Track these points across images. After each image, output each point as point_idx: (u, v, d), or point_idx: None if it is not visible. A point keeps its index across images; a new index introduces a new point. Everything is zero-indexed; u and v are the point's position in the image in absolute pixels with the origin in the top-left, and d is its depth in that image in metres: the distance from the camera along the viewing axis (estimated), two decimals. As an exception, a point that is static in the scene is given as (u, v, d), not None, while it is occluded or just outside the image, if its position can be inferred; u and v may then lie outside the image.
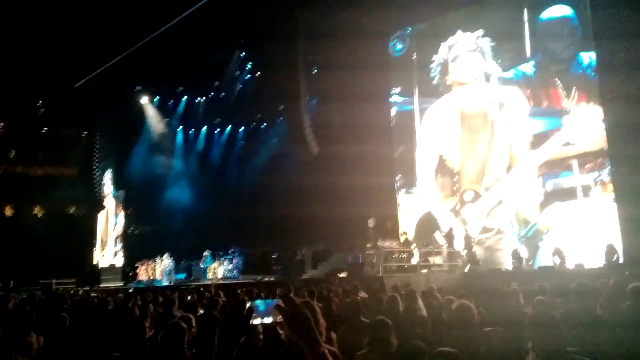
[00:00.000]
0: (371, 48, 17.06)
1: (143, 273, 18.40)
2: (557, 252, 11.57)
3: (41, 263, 19.14)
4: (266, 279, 14.72)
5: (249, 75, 21.46)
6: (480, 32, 15.10)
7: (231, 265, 17.86)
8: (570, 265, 11.18)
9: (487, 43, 14.98)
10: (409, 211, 16.64)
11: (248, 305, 1.49)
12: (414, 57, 17.17)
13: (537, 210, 13.55)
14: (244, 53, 20.75)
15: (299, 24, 17.63)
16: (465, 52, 15.53)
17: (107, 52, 18.87)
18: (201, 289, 11.22)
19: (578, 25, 13.62)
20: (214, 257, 17.95)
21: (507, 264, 12.95)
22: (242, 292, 8.25)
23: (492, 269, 12.71)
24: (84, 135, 24.70)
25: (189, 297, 8.18)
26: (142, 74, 20.79)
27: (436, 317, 4.76)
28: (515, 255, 12.60)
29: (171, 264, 17.99)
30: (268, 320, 1.70)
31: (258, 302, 1.61)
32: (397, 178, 17.15)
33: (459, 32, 15.71)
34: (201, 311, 5.32)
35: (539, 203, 13.54)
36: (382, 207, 16.32)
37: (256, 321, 1.62)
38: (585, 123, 12.91)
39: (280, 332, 2.85)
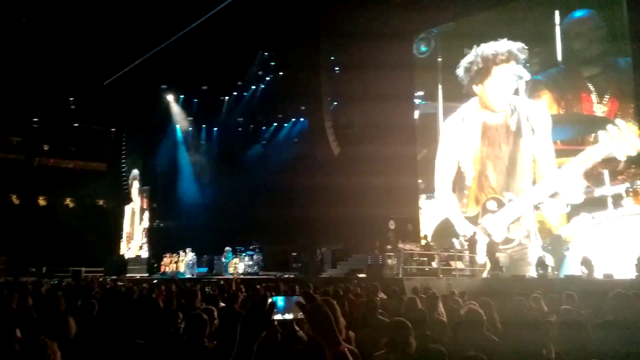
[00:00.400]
0: (395, 48, 16.91)
1: (167, 265, 18.79)
2: (585, 262, 11.24)
3: (71, 252, 19.80)
4: (285, 276, 14.83)
5: (271, 75, 21.61)
6: (520, 45, 14.49)
7: (252, 261, 18.05)
8: (599, 275, 10.87)
9: (521, 52, 14.45)
10: (430, 215, 16.51)
11: (270, 300, 1.50)
12: (439, 59, 16.99)
13: (564, 220, 13.28)
14: (267, 53, 20.91)
15: (322, 24, 17.66)
16: (498, 70, 14.92)
17: (135, 51, 19.35)
18: (221, 282, 11.43)
19: (601, 23, 13.25)
20: (235, 253, 18.18)
21: (532, 272, 12.71)
22: (262, 287, 8.37)
23: (516, 275, 12.50)
24: (112, 131, 25.40)
25: (206, 289, 8.36)
26: (168, 73, 21.21)
27: (456, 321, 4.75)
28: (540, 263, 12.34)
29: (194, 257, 18.32)
30: (288, 316, 1.71)
31: (278, 298, 1.63)
32: (419, 181, 17.03)
33: (492, 42, 15.13)
34: (222, 304, 5.43)
35: (565, 213, 13.26)
36: (404, 209, 16.23)
37: (276, 317, 1.63)
38: (623, 135, 12.52)
39: (297, 329, 2.90)
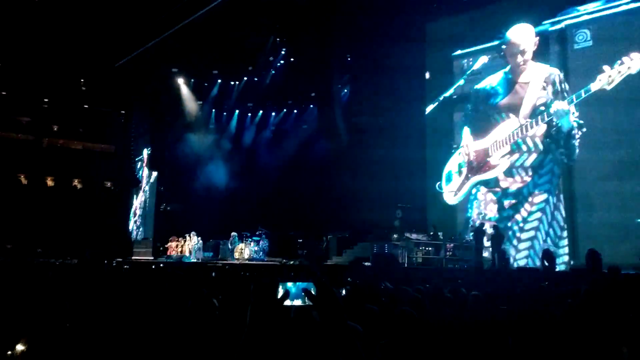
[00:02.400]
0: (408, 37, 16.71)
1: (173, 249, 18.91)
2: (546, 255, 11.19)
3: (78, 233, 19.97)
4: (291, 263, 14.90)
5: (282, 61, 21.47)
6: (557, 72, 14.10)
7: (257, 247, 18.14)
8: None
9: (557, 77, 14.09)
10: (437, 205, 16.44)
11: (287, 287, 1.48)
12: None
13: (570, 213, 13.17)
14: (278, 39, 20.74)
15: (335, 11, 17.44)
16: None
17: (147, 33, 19.25)
18: (227, 267, 11.49)
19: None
20: (241, 238, 18.27)
21: (532, 262, 12.69)
22: (272, 272, 8.38)
23: (521, 267, 12.46)
24: (122, 113, 25.43)
25: (212, 274, 8.40)
26: (179, 57, 21.12)
27: (460, 312, 4.72)
28: (547, 255, 12.24)
29: (200, 242, 18.43)
30: (297, 302, 1.68)
31: (290, 284, 1.61)
32: (428, 171, 16.94)
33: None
34: (228, 289, 5.43)
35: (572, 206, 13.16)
36: (412, 198, 16.16)
37: (286, 303, 1.61)
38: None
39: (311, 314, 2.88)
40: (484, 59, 15.85)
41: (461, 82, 16.42)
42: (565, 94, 13.71)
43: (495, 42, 15.25)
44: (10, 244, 19.32)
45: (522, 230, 14.15)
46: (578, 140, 13.38)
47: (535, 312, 4.24)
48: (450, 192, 16.01)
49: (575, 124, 13.40)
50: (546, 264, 10.93)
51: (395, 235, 13.95)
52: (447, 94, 16.65)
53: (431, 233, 14.45)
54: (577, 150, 13.38)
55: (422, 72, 17.21)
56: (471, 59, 16.39)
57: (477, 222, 14.31)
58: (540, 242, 13.67)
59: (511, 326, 3.70)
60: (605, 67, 12.64)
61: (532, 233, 13.93)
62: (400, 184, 15.94)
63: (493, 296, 5.37)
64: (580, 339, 3.02)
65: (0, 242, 19.35)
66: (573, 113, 13.42)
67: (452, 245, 13.54)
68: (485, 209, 15.09)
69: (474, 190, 15.59)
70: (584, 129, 13.26)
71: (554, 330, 3.10)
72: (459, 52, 16.67)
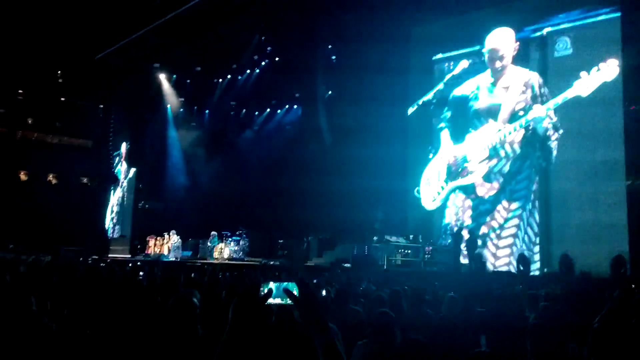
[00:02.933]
0: (393, 39, 16.81)
1: (151, 247, 18.65)
2: (521, 259, 11.44)
3: (52, 229, 19.47)
4: (271, 263, 14.85)
5: (266, 60, 21.39)
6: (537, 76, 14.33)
7: (237, 246, 18.03)
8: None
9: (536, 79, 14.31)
10: (417, 208, 16.60)
11: (269, 286, 1.49)
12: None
13: (545, 219, 13.48)
14: (263, 37, 20.66)
15: (320, 10, 17.47)
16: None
17: (129, 27, 18.94)
18: (205, 267, 11.38)
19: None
20: (221, 238, 18.13)
21: (513, 268, 12.89)
22: (254, 272, 8.32)
23: (496, 271, 12.67)
24: (100, 107, 24.93)
25: (192, 275, 8.29)
26: (161, 52, 20.85)
27: (437, 314, 4.78)
28: (522, 259, 12.48)
29: (179, 241, 18.22)
30: (278, 301, 1.69)
31: (270, 283, 1.61)
32: (408, 174, 17.09)
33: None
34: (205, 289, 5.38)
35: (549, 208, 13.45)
36: (392, 201, 16.28)
37: (269, 302, 1.62)
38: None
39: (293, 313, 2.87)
40: (464, 64, 16.01)
41: (440, 86, 16.60)
42: (544, 99, 13.98)
43: (477, 47, 15.47)
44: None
45: (499, 237, 14.32)
46: (555, 142, 13.59)
47: (509, 314, 4.32)
48: (429, 198, 16.17)
49: (550, 126, 13.64)
50: (521, 268, 11.16)
51: (375, 238, 14.05)
52: (426, 98, 16.79)
53: (411, 236, 14.60)
54: (555, 153, 13.60)
55: (405, 74, 17.36)
56: (451, 63, 16.57)
57: (455, 229, 14.47)
58: (517, 247, 13.91)
59: (485, 326, 3.76)
60: (582, 74, 12.97)
61: (509, 240, 14.14)
62: (382, 186, 16.03)
63: (469, 297, 5.46)
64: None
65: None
66: (551, 118, 13.69)
67: (430, 248, 13.70)
68: (462, 216, 15.27)
69: (452, 196, 15.75)
70: (561, 131, 13.51)
71: (527, 331, 3.17)
72: (439, 55, 16.83)
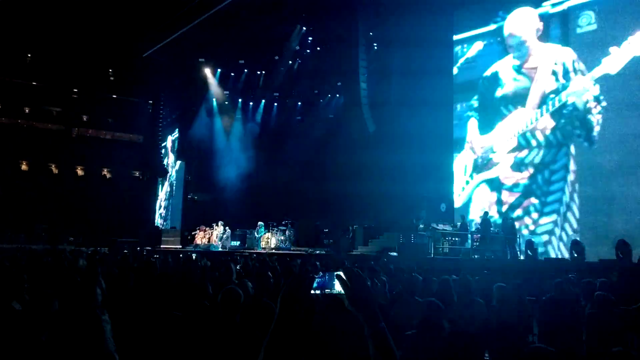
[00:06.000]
0: (435, 24, 16.36)
1: (200, 238, 19.21)
2: (575, 246, 10.90)
3: (107, 221, 20.50)
4: (317, 252, 14.94)
5: (308, 51, 21.36)
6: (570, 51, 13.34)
7: (283, 236, 18.25)
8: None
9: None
10: (465, 195, 16.19)
11: (316, 277, 1.47)
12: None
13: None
14: (304, 28, 20.63)
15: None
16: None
17: (174, 24, 19.46)
18: (254, 256, 11.63)
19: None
20: (268, 228, 18.41)
21: (566, 255, 12.36)
22: (302, 262, 8.41)
23: (549, 258, 12.20)
24: (150, 103, 25.89)
25: (238, 267, 8.47)
26: (206, 46, 21.28)
27: (487, 303, 4.66)
28: (575, 246, 11.94)
29: (228, 231, 18.65)
30: (326, 291, 1.67)
31: (319, 274, 1.60)
32: (455, 158, 16.67)
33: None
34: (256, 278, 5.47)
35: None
36: (438, 189, 15.97)
37: (316, 292, 1.60)
38: None
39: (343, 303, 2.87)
40: (478, 45, 15.19)
41: (455, 70, 15.93)
42: (581, 73, 13.03)
43: (493, 26, 14.59)
44: (44, 232, 20.02)
45: (533, 233, 13.76)
46: (599, 116, 12.63)
47: (563, 304, 4.14)
48: (456, 192, 15.80)
49: (592, 98, 12.67)
50: (575, 254, 10.67)
51: (421, 226, 13.80)
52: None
53: (458, 223, 14.26)
54: (597, 129, 12.61)
55: (450, 71, 16.90)
56: (465, 45, 15.80)
57: (498, 216, 14.05)
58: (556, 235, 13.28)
59: (538, 317, 3.62)
60: (612, 49, 12.03)
61: (545, 237, 13.56)
62: (429, 173, 15.88)
63: (521, 286, 5.28)
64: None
65: (34, 230, 20.09)
66: (591, 90, 12.75)
67: (478, 236, 13.32)
68: (489, 209, 14.76)
69: (479, 189, 15.23)
70: (604, 103, 12.51)
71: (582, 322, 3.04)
72: (459, 36, 16.07)
